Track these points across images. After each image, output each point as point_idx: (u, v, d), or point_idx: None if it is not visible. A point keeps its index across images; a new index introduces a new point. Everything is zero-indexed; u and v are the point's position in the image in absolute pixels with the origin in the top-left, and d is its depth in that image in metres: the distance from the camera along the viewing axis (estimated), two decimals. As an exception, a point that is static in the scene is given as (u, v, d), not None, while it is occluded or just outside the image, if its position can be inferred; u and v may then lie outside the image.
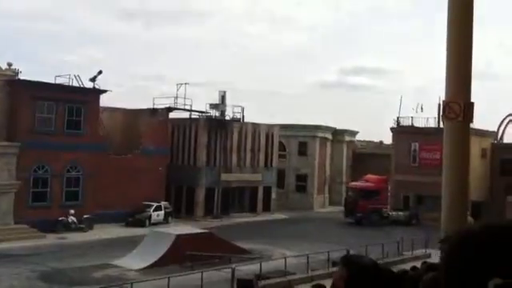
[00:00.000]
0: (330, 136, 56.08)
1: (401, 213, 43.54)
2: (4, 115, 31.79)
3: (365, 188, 43.62)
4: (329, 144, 56.06)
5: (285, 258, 23.07)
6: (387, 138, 56.75)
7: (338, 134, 56.96)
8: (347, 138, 58.20)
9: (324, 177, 54.86)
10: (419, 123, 48.12)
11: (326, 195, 55.42)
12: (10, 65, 32.81)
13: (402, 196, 47.85)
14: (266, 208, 46.86)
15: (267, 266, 22.32)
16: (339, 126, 57.08)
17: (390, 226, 39.93)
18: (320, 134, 54.17)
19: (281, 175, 50.57)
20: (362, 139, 63.24)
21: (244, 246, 27.98)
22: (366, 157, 56.83)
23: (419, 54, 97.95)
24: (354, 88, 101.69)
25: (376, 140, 63.50)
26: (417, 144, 48.01)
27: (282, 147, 51.61)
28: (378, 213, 42.21)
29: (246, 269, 21.83)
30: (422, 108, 46.72)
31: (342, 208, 51.26)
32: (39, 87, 32.91)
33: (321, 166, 54.14)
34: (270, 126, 48.46)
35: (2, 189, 30.15)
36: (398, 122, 49.76)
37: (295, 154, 53.45)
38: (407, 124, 49.13)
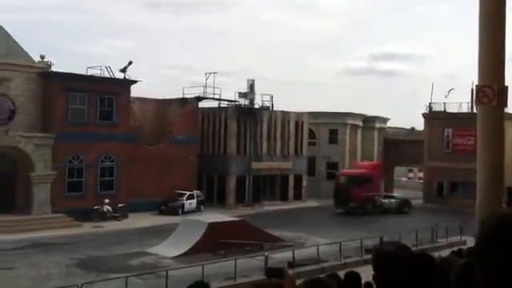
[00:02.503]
0: (360, 123, 55.57)
1: (392, 200, 41.49)
2: (39, 107, 32.52)
3: (358, 175, 41.17)
4: (359, 131, 55.57)
5: (317, 246, 23.11)
6: (419, 124, 56.04)
7: (368, 121, 56.37)
8: (378, 125, 57.56)
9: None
10: (452, 109, 47.30)
11: (357, 182, 54.97)
12: (42, 57, 33.49)
13: (435, 183, 47.23)
14: (298, 196, 46.91)
15: (300, 253, 22.39)
16: (370, 113, 56.54)
17: (383, 215, 38.08)
18: (350, 121, 53.72)
19: (311, 163, 50.46)
20: (393, 126, 62.52)
21: (276, 233, 28.11)
22: (397, 143, 56.17)
23: (450, 38, 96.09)
24: (384, 74, 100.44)
25: (407, 126, 62.71)
26: (450, 130, 47.22)
27: (311, 135, 51.42)
28: (372, 201, 39.75)
29: (279, 256, 21.97)
30: (449, 93, 45.84)
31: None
32: (72, 79, 33.54)
33: (351, 154, 53.72)
34: (300, 114, 48.29)
35: (39, 179, 30.96)
36: (430, 107, 48.99)
37: (325, 141, 53.18)
38: (439, 110, 48.32)
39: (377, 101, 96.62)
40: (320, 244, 24.01)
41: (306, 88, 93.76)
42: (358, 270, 6.18)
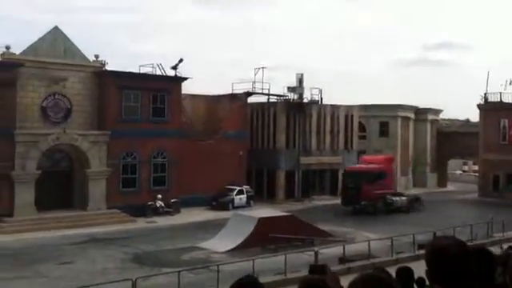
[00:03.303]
0: (412, 115, 54.47)
1: (403, 198, 38.51)
2: (94, 105, 33.52)
3: (369, 171, 37.71)
4: (411, 123, 54.49)
5: (368, 241, 22.85)
6: (474, 116, 54.38)
7: (420, 113, 55.19)
8: (430, 117, 56.25)
9: (407, 157, 53.47)
10: (509, 99, 45.63)
11: (410, 176, 54.04)
12: (97, 56, 34.48)
13: (491, 176, 45.76)
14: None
15: (350, 248, 22.22)
16: (422, 105, 55.33)
17: (395, 213, 35.65)
18: (401, 114, 52.72)
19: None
20: (446, 117, 60.96)
21: (326, 228, 28.00)
22: (451, 136, 54.82)
23: (504, 27, 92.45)
24: (436, 64, 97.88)
25: (462, 118, 61.00)
26: (506, 121, 45.64)
27: (361, 128, 50.81)
28: (383, 199, 36.74)
29: (329, 252, 21.86)
30: (509, 84, 44.10)
31: (426, 190, 49.78)
32: (125, 77, 34.39)
33: (403, 147, 52.77)
34: (349, 107, 47.75)
35: (95, 176, 31.96)
36: (485, 98, 47.47)
37: (376, 134, 52.42)
38: (495, 100, 46.72)
39: (429, 92, 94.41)
40: (371, 239, 23.72)
41: (356, 80, 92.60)
42: (410, 265, 6.10)
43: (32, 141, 30.00)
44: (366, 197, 35.82)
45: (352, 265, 20.34)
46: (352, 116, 47.59)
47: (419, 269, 4.44)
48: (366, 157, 40.87)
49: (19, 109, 30.38)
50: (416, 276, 5.76)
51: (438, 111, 57.68)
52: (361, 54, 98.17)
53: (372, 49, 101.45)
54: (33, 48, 31.79)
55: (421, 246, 21.85)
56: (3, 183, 29.15)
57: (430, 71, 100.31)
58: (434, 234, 20.26)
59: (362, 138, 50.69)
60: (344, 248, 21.49)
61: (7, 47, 30.76)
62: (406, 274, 5.71)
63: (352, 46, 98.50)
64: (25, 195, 29.48)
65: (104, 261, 22.14)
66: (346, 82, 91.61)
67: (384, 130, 52.20)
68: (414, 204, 38.17)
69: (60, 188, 31.87)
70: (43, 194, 30.26)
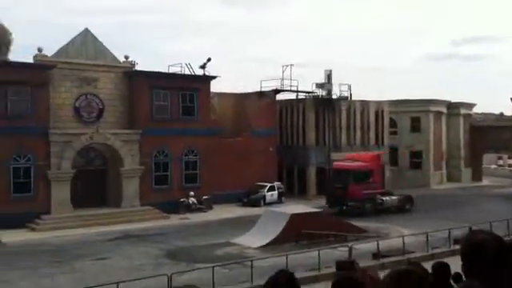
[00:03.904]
0: (444, 110, 53.62)
1: (394, 197, 35.43)
2: (125, 105, 34.04)
3: (356, 169, 34.86)
4: (443, 118, 53.65)
5: (402, 237, 22.63)
6: (508, 110, 53.20)
7: (453, 107, 54.29)
8: (463, 111, 55.27)
9: (440, 152, 52.68)
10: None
11: (444, 171, 53.26)
12: (127, 57, 34.97)
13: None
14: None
15: (384, 244, 22.05)
16: (454, 99, 54.42)
17: (380, 214, 32.64)
18: (433, 108, 51.94)
19: (393, 153, 49.37)
20: (479, 112, 59.79)
21: (359, 224, 27.83)
22: (484, 130, 53.78)
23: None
24: (468, 58, 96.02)
25: (495, 112, 59.74)
26: (542, 113, 44.43)
27: (392, 124, 50.27)
28: (371, 199, 34.04)
29: (363, 247, 21.74)
30: None
31: (460, 184, 48.90)
32: (155, 77, 34.82)
33: (436, 142, 52.01)
34: (379, 103, 47.28)
35: (128, 174, 32.48)
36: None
37: (407, 130, 51.82)
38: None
39: (462, 86, 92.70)
40: (405, 235, 23.48)
41: (386, 75, 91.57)
42: (446, 261, 6.06)
43: (66, 140, 30.66)
44: (353, 197, 32.97)
45: (386, 260, 20.19)
46: (382, 111, 47.12)
47: (455, 264, 4.42)
48: (352, 154, 38.04)
49: (53, 109, 31.06)
50: (452, 271, 5.72)
51: (470, 105, 56.64)
52: (388, 50, 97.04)
53: (400, 44, 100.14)
54: (64, 50, 32.43)
55: (456, 241, 21.55)
56: (40, 182, 29.91)
57: (460, 66, 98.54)
58: (470, 228, 19.94)
59: (393, 133, 50.18)
60: (378, 244, 21.33)
61: (39, 49, 31.46)
62: (442, 269, 5.66)
63: (379, 42, 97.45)
64: (61, 193, 30.17)
65: (139, 257, 22.49)
66: (374, 78, 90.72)
67: (416, 125, 51.54)
68: (406, 204, 35.26)
69: (94, 186, 32.50)
70: (78, 192, 30.95)
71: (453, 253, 19.50)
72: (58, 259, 22.07)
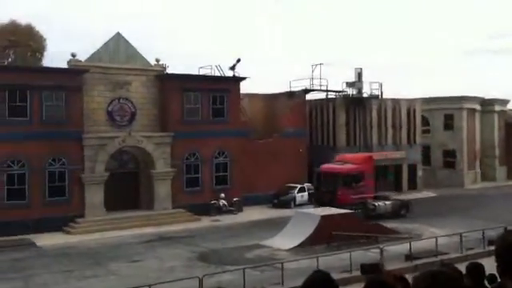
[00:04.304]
0: (478, 107, 52.53)
1: (387, 202, 32.85)
2: (157, 108, 34.45)
3: (346, 172, 32.76)
4: (477, 115, 52.58)
5: (435, 238, 22.28)
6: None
7: (487, 104, 53.13)
8: (498, 108, 54.05)
9: (474, 151, 51.65)
10: None
11: (478, 170, 52.18)
12: (157, 60, 35.37)
13: None
14: (412, 186, 45.49)
15: (417, 245, 21.75)
16: (488, 96, 53.28)
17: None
18: (467, 105, 50.94)
19: (426, 151, 48.67)
20: (515, 108, 58.30)
21: (390, 225, 27.53)
22: (520, 127, 52.50)
23: None
24: (503, 53, 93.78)
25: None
26: None
27: (425, 122, 49.56)
28: (363, 204, 31.94)
29: (395, 249, 21.51)
30: None
31: (495, 184, 47.87)
32: (186, 79, 35.14)
33: (470, 140, 51.00)
34: (411, 101, 46.68)
35: (160, 176, 32.85)
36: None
37: (440, 128, 50.99)
38: None
39: (496, 82, 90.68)
40: (438, 236, 23.11)
41: (418, 72, 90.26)
42: (481, 262, 5.95)
43: (100, 144, 31.20)
44: (341, 202, 30.49)
45: (419, 262, 19.92)
46: (414, 109, 46.51)
47: (490, 265, 4.34)
48: (343, 155, 35.54)
49: (86, 113, 31.66)
50: (487, 273, 5.62)
51: (505, 102, 55.35)
52: (419, 46, 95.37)
53: (431, 40, 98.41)
54: (97, 54, 33.02)
55: (491, 242, 21.10)
56: (74, 186, 30.52)
57: (495, 60, 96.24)
58: (505, 228, 19.49)
59: (426, 131, 49.47)
60: (410, 245, 21.06)
61: (73, 55, 32.11)
62: (476, 270, 5.57)
63: (409, 38, 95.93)
64: (95, 196, 30.73)
65: (171, 259, 22.74)
66: (405, 75, 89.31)
67: (449, 123, 50.65)
68: (401, 210, 32.56)
69: (127, 189, 32.97)
70: (112, 195, 31.43)
71: (487, 254, 19.13)
72: (92, 262, 22.50)
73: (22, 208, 28.85)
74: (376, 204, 32.37)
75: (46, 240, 27.11)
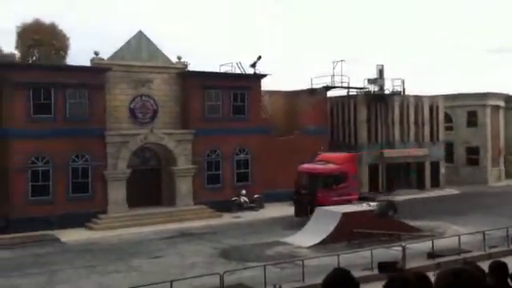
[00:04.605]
0: (502, 103, 51.73)
1: (372, 204, 29.73)
2: (178, 105, 34.67)
3: (326, 172, 30.39)
4: (502, 112, 51.78)
5: (458, 236, 22.03)
6: None
7: (511, 101, 52.29)
8: (523, 104, 53.14)
9: (498, 148, 50.90)
10: None
11: (502, 168, 51.43)
12: (179, 58, 35.59)
13: None
14: (435, 184, 45.10)
15: (439, 243, 21.52)
16: (512, 92, 52.40)
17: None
18: (491, 102, 50.20)
19: (449, 149, 48.13)
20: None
21: (413, 223, 27.29)
22: (546, 123, 51.54)
23: None
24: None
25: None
26: None
27: (448, 119, 49.00)
28: None
29: (417, 246, 21.33)
30: None
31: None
32: (207, 77, 35.28)
33: (494, 137, 50.27)
34: (434, 97, 46.23)
35: (182, 173, 33.08)
36: None
37: (463, 125, 50.36)
38: None
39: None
40: (461, 234, 22.84)
41: (440, 69, 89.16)
42: (505, 260, 5.88)
43: (122, 141, 31.54)
44: (321, 205, 28.13)
45: (441, 260, 19.72)
46: (437, 106, 46.06)
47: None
48: (325, 154, 33.06)
49: (109, 111, 32.02)
50: (511, 271, 5.56)
51: (530, 98, 54.39)
52: (441, 43, 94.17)
53: (453, 37, 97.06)
54: (119, 53, 33.35)
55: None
56: (97, 182, 30.92)
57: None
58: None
59: (449, 128, 48.91)
60: (433, 243, 20.86)
61: (96, 53, 32.49)
62: (499, 269, 5.52)
63: (430, 34, 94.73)
64: (117, 193, 31.09)
65: (192, 255, 22.88)
66: (427, 72, 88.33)
67: (472, 119, 49.99)
68: (388, 211, 29.85)
69: (149, 185, 33.29)
70: (134, 192, 31.78)
71: (511, 252, 18.83)
72: (114, 258, 22.76)
73: (46, 204, 29.35)
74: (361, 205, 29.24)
75: (70, 236, 27.52)
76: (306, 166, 31.99)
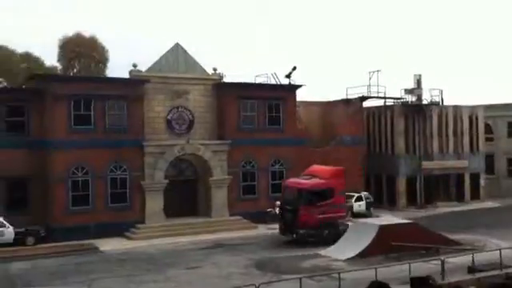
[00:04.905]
0: (545, 113, 50.25)
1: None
2: (214, 116, 34.98)
3: (310, 187, 28.05)
4: (545, 122, 50.28)
5: (499, 250, 21.43)
6: None
7: (555, 111, 50.75)
8: None
9: (541, 159, 49.39)
10: None
11: (545, 180, 49.82)
12: (215, 69, 35.99)
13: None
14: (475, 196, 44.13)
15: (480, 257, 20.99)
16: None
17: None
18: (533, 112, 48.86)
19: (489, 160, 46.99)
20: None
21: (452, 236, 26.70)
22: None
23: None
24: None
25: None
26: None
27: (488, 129, 47.92)
28: (333, 225, 27.76)
29: (457, 260, 20.86)
30: None
31: None
32: (242, 88, 35.52)
33: (537, 148, 48.84)
34: (473, 108, 45.35)
35: (217, 184, 33.28)
36: None
37: (504, 135, 49.17)
38: None
39: None
40: (502, 248, 22.21)
41: (479, 78, 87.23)
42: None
43: (160, 152, 32.00)
44: (304, 223, 27.09)
45: (482, 275, 19.23)
46: (477, 117, 45.16)
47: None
48: (314, 168, 30.71)
49: (147, 122, 32.56)
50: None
51: None
52: (482, 51, 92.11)
53: (494, 45, 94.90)
54: (157, 65, 33.94)
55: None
56: (135, 192, 31.42)
57: None
58: None
59: (489, 139, 47.81)
60: (473, 257, 20.38)
61: (134, 65, 33.14)
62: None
63: (469, 42, 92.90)
64: (154, 203, 31.52)
65: (228, 266, 22.94)
66: (466, 81, 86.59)
67: (513, 130, 48.75)
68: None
69: (186, 196, 33.61)
70: (170, 202, 32.14)
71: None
72: (152, 267, 23.03)
73: (85, 213, 29.97)
74: (350, 224, 28.36)
75: (108, 245, 28.00)
76: (290, 180, 30.27)
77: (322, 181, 28.49)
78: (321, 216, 27.48)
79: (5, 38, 79.95)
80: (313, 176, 29.25)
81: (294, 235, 27.46)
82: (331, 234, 27.16)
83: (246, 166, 35.04)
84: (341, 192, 28.86)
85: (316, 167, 30.56)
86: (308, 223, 27.15)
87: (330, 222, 27.72)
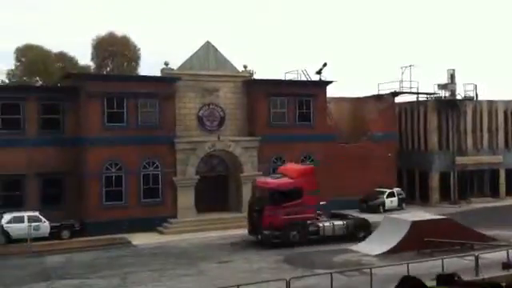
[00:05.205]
0: None
1: (339, 223, 27.60)
2: (244, 113, 35.15)
3: (275, 187, 26.75)
4: None
5: (536, 246, 20.99)
6: None
7: None
8: None
9: None
10: None
11: None
12: (245, 67, 36.16)
13: None
14: (510, 192, 43.15)
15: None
16: None
17: (321, 243, 26.15)
18: None
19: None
20: None
21: (486, 232, 26.24)
22: None
23: None
24: None
25: None
26: None
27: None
28: (301, 226, 26.58)
29: (491, 256, 20.53)
30: None
31: None
32: (272, 84, 35.60)
33: None
34: (508, 103, 44.38)
35: (248, 180, 33.38)
36: None
37: (541, 130, 47.82)
38: None
39: None
40: (539, 244, 21.75)
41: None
42: None
43: (191, 148, 32.36)
44: (269, 223, 25.98)
45: (517, 271, 18.86)
46: (512, 111, 44.18)
47: None
48: (287, 165, 29.78)
49: (178, 119, 32.96)
50: None
51: None
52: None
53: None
54: (188, 62, 34.28)
55: None
56: (167, 188, 31.86)
57: None
58: None
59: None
60: (508, 253, 20.00)
61: (166, 63, 33.56)
62: None
63: (503, 35, 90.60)
64: (186, 199, 31.92)
65: (259, 261, 23.08)
66: (501, 75, 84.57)
67: (551, 124, 47.34)
68: (359, 231, 27.33)
69: (217, 191, 33.91)
70: (202, 197, 32.48)
71: None
72: (184, 261, 23.34)
73: (118, 208, 30.55)
74: (321, 225, 27.10)
75: (141, 239, 28.48)
76: (260, 179, 29.03)
77: (290, 180, 27.13)
78: (286, 217, 26.22)
79: (40, 39, 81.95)
80: (283, 175, 27.99)
81: (259, 236, 26.47)
82: (299, 235, 26.33)
83: (276, 161, 35.08)
84: (311, 192, 27.13)
85: (288, 165, 29.54)
86: (273, 224, 25.97)
87: (297, 223, 26.47)
